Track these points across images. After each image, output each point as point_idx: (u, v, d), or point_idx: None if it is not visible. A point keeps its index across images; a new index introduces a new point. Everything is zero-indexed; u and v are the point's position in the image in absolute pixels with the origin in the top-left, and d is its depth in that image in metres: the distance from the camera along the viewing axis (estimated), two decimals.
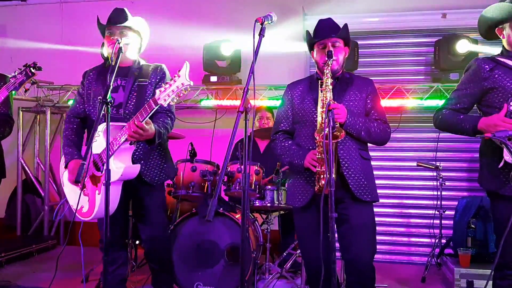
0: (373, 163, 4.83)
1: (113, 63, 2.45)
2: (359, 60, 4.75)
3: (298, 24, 4.97)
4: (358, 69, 4.78)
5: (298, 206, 2.61)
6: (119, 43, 2.48)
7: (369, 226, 2.60)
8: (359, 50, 4.75)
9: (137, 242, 4.03)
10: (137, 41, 2.84)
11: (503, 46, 2.49)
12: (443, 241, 4.12)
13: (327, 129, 2.21)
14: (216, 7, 5.28)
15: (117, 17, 2.74)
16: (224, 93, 5.01)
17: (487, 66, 2.42)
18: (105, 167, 2.24)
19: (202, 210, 3.34)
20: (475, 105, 2.53)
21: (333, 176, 2.39)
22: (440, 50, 4.53)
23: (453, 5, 4.69)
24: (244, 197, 2.02)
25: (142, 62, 2.89)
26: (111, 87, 2.31)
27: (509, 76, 2.36)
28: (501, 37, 2.50)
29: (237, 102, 4.89)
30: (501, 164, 2.22)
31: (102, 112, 2.24)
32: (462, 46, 4.37)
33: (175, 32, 5.12)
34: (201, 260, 3.37)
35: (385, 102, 4.73)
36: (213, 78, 4.89)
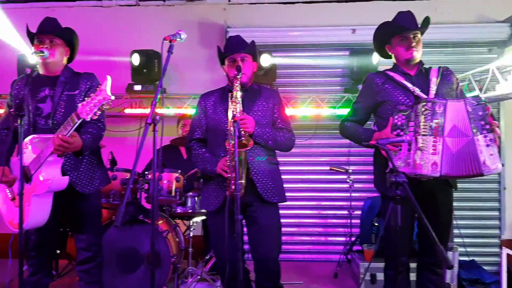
0: (291, 168, 5.15)
1: (34, 74, 2.48)
2: (277, 71, 5.02)
3: (221, 35, 5.18)
4: (277, 79, 5.06)
5: (211, 210, 2.77)
6: (42, 54, 2.52)
7: (276, 226, 2.79)
8: (277, 62, 5.03)
9: (58, 251, 4.01)
10: (66, 51, 2.86)
11: (394, 62, 2.78)
12: (353, 239, 4.46)
13: (234, 139, 2.40)
14: (140, 18, 5.35)
15: (48, 26, 2.75)
16: (149, 102, 5.09)
17: (379, 81, 2.70)
18: (23, 180, 2.27)
19: (121, 219, 3.41)
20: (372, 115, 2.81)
21: (243, 181, 2.62)
22: (351, 62, 4.93)
23: (362, 22, 5.09)
24: (152, 204, 2.15)
25: (72, 71, 2.90)
26: (24, 101, 2.34)
27: (397, 90, 2.65)
28: (390, 53, 2.78)
29: (162, 111, 5.01)
30: (388, 169, 2.48)
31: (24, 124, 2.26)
32: (371, 60, 4.77)
33: (101, 41, 5.18)
34: (122, 266, 3.45)
35: (302, 111, 5.05)
36: (137, 87, 4.97)
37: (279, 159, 2.89)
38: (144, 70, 4.95)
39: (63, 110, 2.74)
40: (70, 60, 2.95)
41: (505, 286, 3.37)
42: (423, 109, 2.34)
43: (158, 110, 5.03)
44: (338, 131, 5.02)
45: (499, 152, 2.39)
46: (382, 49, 2.83)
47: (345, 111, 4.91)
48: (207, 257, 4.03)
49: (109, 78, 2.51)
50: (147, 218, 3.46)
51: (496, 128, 2.37)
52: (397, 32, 2.67)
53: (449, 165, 2.30)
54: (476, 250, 4.88)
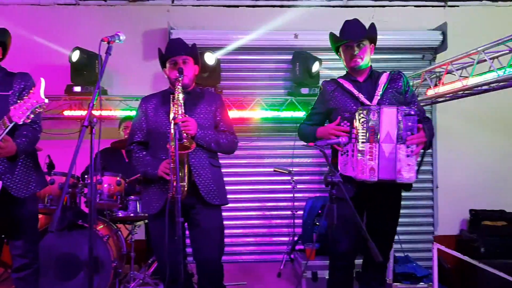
0: (236, 170, 5.18)
1: None
2: (221, 74, 5.05)
3: (164, 37, 5.13)
4: (221, 82, 5.09)
5: (152, 213, 2.75)
6: None
7: (218, 229, 2.82)
8: (222, 65, 5.06)
9: None
10: None
11: None
12: (296, 238, 4.57)
13: (174, 141, 2.40)
14: (80, 18, 5.21)
15: None
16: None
17: (329, 88, 2.81)
18: None
19: (56, 224, 3.31)
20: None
21: (184, 183, 2.62)
22: (294, 66, 5.05)
23: (304, 27, 5.22)
24: (90, 208, 2.12)
25: (4, 71, 2.79)
26: None
27: (345, 97, 2.74)
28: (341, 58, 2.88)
29: (103, 113, 4.89)
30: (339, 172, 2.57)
31: None
32: (313, 64, 4.90)
33: (39, 40, 5.00)
34: (61, 273, 3.35)
35: (247, 114, 5.11)
36: (77, 88, 4.83)
37: (225, 161, 2.92)
38: (85, 72, 4.82)
39: None
40: (1, 59, 2.83)
41: (436, 279, 3.57)
42: (359, 116, 2.44)
43: (99, 112, 4.91)
44: (282, 134, 5.26)
45: (419, 165, 2.52)
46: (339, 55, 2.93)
47: (288, 114, 5.05)
48: (149, 261, 3.98)
49: (42, 80, 2.44)
50: (86, 223, 3.38)
51: (420, 145, 2.49)
52: (339, 42, 2.79)
53: (384, 170, 2.41)
54: (411, 247, 5.13)
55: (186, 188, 2.65)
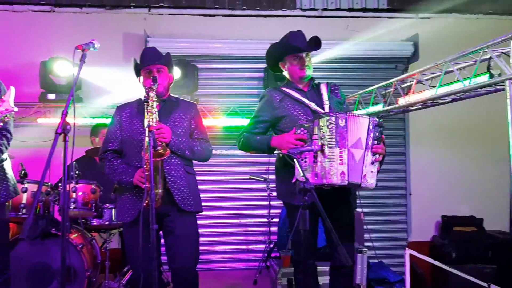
0: (212, 178, 5.19)
1: None
2: (199, 82, 5.08)
3: (141, 45, 5.13)
4: (198, 90, 5.11)
5: (127, 221, 2.75)
6: None
7: (193, 236, 2.83)
8: (199, 73, 5.09)
9: None
10: None
11: (287, 78, 2.93)
12: (271, 245, 4.60)
13: (150, 148, 2.42)
14: (55, 25, 5.17)
15: None
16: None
17: (277, 97, 2.83)
18: None
19: (32, 232, 3.27)
20: (270, 129, 2.93)
21: (159, 191, 2.63)
22: (268, 75, 5.12)
23: (279, 36, 5.28)
24: (63, 215, 2.11)
25: None
26: None
27: (295, 106, 2.79)
28: (283, 69, 2.93)
29: (78, 121, 4.83)
30: (294, 179, 2.58)
31: None
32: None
33: (12, 47, 4.94)
34: (33, 283, 3.29)
35: (223, 121, 5.14)
36: (51, 96, 4.78)
37: (201, 169, 2.93)
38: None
39: None
40: None
41: (409, 284, 3.65)
42: (327, 123, 2.50)
43: (74, 120, 4.87)
44: None
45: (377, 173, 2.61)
46: (275, 66, 2.99)
47: None
48: (124, 270, 3.95)
49: (12, 89, 2.42)
50: (59, 231, 3.34)
51: (381, 156, 2.59)
52: (291, 51, 2.84)
53: (353, 173, 2.48)
54: (385, 253, 5.22)
55: (161, 195, 2.65)
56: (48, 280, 3.30)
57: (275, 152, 2.75)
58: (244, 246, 5.34)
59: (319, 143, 2.49)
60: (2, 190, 2.75)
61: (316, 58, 4.30)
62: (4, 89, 2.78)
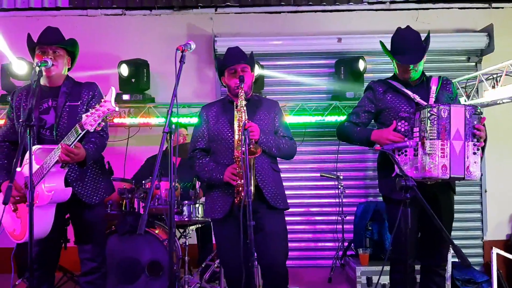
0: (282, 175, 5.18)
1: (33, 85, 2.47)
2: (265, 79, 5.09)
3: (208, 45, 5.21)
4: (264, 88, 5.12)
5: (217, 218, 2.80)
6: (39, 66, 2.51)
7: (282, 232, 2.86)
8: (265, 71, 5.09)
9: None
10: (68, 61, 2.86)
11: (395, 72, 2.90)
12: (346, 243, 4.55)
13: (244, 146, 2.45)
14: (130, 27, 5.33)
15: (51, 36, 2.76)
16: (136, 111, 5.05)
17: (381, 89, 2.83)
18: (33, 190, 2.26)
19: (121, 227, 3.40)
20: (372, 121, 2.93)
21: (251, 188, 2.66)
22: (338, 70, 5.05)
23: (347, 31, 5.23)
24: (170, 212, 2.17)
25: (73, 81, 2.88)
26: (33, 110, 2.33)
27: (398, 99, 2.77)
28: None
29: (151, 120, 4.99)
30: (394, 173, 2.60)
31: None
32: (357, 67, 4.89)
33: (90, 50, 5.07)
34: (122, 277, 3.42)
35: (290, 119, 5.11)
36: (125, 97, 4.93)
37: None
38: (132, 80, 4.92)
39: (66, 121, 2.73)
40: (69, 69, 2.94)
41: (496, 284, 3.52)
42: (429, 114, 2.45)
43: (148, 120, 5.01)
44: (325, 138, 5.25)
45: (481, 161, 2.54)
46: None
47: (332, 118, 5.03)
48: (202, 266, 4.02)
49: (113, 89, 2.52)
50: (147, 227, 3.44)
51: (482, 140, 2.53)
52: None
53: (456, 167, 2.42)
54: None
55: (252, 192, 2.68)
56: (137, 274, 3.41)
57: (370, 148, 2.72)
58: (312, 244, 5.30)
59: (419, 136, 2.46)
60: (101, 188, 2.86)
61: None
62: (99, 91, 2.88)
